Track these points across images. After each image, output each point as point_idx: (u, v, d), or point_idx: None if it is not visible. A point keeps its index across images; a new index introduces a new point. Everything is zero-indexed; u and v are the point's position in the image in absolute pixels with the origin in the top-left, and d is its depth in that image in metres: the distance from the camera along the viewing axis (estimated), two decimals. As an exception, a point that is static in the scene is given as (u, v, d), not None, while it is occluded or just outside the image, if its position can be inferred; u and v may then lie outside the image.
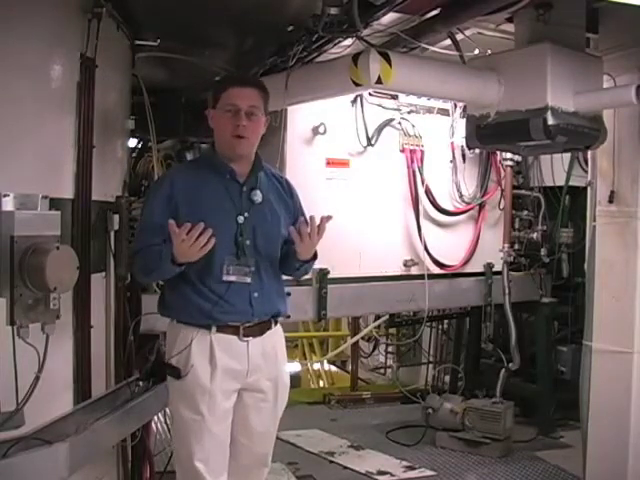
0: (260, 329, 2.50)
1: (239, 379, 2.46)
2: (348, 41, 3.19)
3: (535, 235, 4.89)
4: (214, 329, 2.42)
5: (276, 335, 2.59)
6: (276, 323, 2.59)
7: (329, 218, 2.43)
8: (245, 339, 2.45)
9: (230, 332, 2.44)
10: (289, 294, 2.68)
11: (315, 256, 2.56)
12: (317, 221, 2.42)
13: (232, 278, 2.43)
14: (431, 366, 6.11)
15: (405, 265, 4.43)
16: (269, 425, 2.60)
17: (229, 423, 2.49)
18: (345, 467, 4.34)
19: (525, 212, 5.00)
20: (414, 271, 4.46)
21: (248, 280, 2.44)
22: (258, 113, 2.47)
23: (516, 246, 4.90)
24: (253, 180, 2.53)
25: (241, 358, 2.44)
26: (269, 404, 2.56)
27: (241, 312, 2.45)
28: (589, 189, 3.95)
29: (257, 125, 2.49)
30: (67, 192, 2.59)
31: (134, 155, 4.38)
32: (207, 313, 2.41)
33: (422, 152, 4.46)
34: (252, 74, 3.64)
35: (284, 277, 2.67)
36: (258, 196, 2.51)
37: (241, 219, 2.46)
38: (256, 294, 2.47)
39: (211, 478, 2.42)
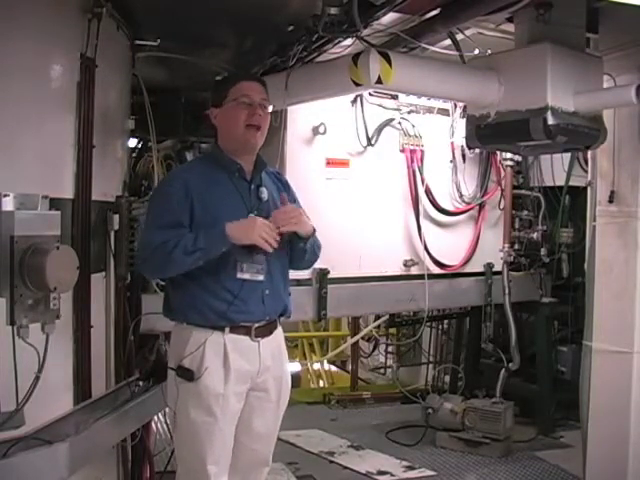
0: (269, 329, 2.52)
1: (250, 380, 2.47)
2: (348, 41, 3.19)
3: (535, 235, 4.89)
4: (227, 330, 2.42)
5: (280, 335, 2.61)
6: (279, 323, 2.60)
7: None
8: (256, 339, 2.45)
9: (242, 333, 2.44)
10: (289, 294, 2.69)
11: (314, 230, 2.56)
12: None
13: (246, 276, 2.43)
14: (431, 366, 6.11)
15: (405, 265, 4.43)
16: (271, 426, 2.60)
17: (235, 424, 2.49)
18: (345, 467, 4.34)
19: (525, 212, 5.00)
20: (414, 271, 4.46)
21: (261, 278, 2.44)
22: (267, 106, 2.53)
23: (516, 246, 4.89)
24: (258, 178, 2.56)
25: (253, 359, 2.45)
26: (272, 404, 2.56)
27: (254, 311, 2.45)
28: (589, 189, 3.95)
29: (267, 118, 2.54)
30: (67, 192, 2.60)
31: (134, 155, 4.38)
32: (222, 314, 2.41)
33: (422, 152, 4.46)
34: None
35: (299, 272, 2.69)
36: (265, 193, 2.53)
37: (252, 217, 2.46)
38: (267, 291, 2.48)
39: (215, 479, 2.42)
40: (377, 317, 5.76)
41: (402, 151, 4.40)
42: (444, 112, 4.58)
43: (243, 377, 2.44)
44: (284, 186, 2.68)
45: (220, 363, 2.40)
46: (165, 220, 2.41)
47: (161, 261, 2.38)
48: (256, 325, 2.45)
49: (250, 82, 2.53)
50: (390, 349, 6.64)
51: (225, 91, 2.50)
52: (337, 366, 7.72)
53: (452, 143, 4.62)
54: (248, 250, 2.42)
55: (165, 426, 3.79)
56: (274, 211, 2.46)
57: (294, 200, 2.69)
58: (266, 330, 2.50)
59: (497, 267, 4.82)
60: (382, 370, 6.81)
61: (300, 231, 2.49)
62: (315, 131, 4.06)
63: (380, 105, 4.30)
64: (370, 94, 4.16)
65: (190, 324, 2.45)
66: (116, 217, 3.01)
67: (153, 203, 2.55)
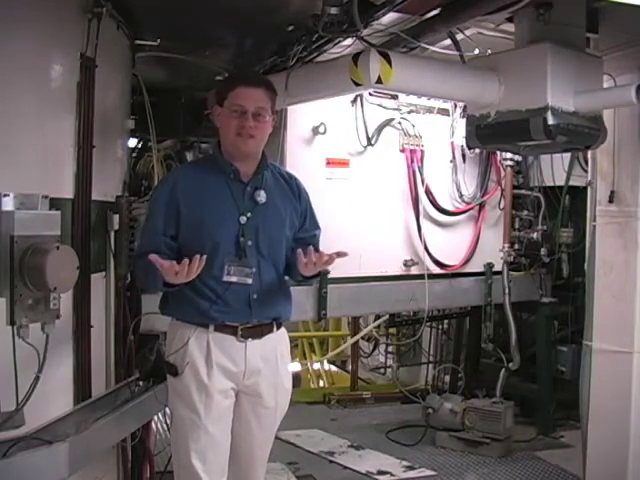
0: (260, 331, 2.48)
1: (235, 380, 2.45)
2: (348, 41, 3.19)
3: (535, 235, 4.88)
4: (212, 328, 2.42)
5: (278, 338, 2.56)
6: (279, 327, 2.56)
7: (342, 255, 2.38)
8: (243, 340, 2.43)
9: (228, 332, 2.43)
10: (288, 297, 2.66)
11: (318, 274, 2.53)
12: (325, 257, 2.37)
13: (233, 279, 2.41)
14: (431, 366, 6.11)
15: (405, 265, 4.43)
16: (269, 431, 2.59)
17: (227, 424, 2.48)
18: (345, 467, 4.34)
19: (525, 212, 5.00)
20: (414, 271, 4.46)
21: (249, 281, 2.42)
22: (265, 114, 2.44)
23: (516, 246, 4.89)
24: (258, 180, 2.51)
25: (238, 359, 2.43)
26: (269, 411, 2.54)
27: (238, 313, 2.43)
28: (589, 189, 3.95)
29: (264, 126, 2.46)
30: (67, 192, 2.60)
31: (134, 155, 4.38)
32: (204, 312, 2.41)
33: (422, 152, 4.45)
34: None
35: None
36: (262, 196, 2.48)
37: (243, 219, 2.44)
38: (255, 295, 2.45)
39: (208, 478, 2.41)
40: (377, 317, 5.75)
41: (402, 151, 4.40)
42: (444, 112, 4.57)
43: (227, 375, 2.42)
44: (293, 190, 2.61)
45: (203, 359, 2.40)
46: (150, 225, 2.48)
47: (138, 278, 2.72)
48: (244, 325, 2.43)
49: (247, 89, 2.42)
50: (390, 349, 6.63)
51: (225, 93, 2.46)
52: (337, 366, 7.71)
53: (452, 143, 4.62)
54: (237, 252, 2.42)
55: (165, 426, 3.79)
56: (310, 252, 2.36)
57: (306, 203, 2.64)
58: (256, 332, 2.46)
59: (497, 267, 4.82)
60: (382, 370, 6.80)
61: (304, 271, 2.43)
62: (315, 131, 4.06)
63: (380, 105, 4.29)
64: (370, 94, 4.16)
65: (179, 320, 2.47)
66: (116, 217, 3.02)
67: (150, 202, 2.59)
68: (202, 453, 2.41)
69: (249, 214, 2.45)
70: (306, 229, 2.64)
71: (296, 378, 6.26)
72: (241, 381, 2.46)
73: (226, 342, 2.42)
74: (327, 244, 2.63)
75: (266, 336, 2.49)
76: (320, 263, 2.37)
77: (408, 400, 5.50)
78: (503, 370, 4.80)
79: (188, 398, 2.41)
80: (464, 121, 3.51)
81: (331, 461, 4.44)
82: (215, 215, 2.42)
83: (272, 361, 2.52)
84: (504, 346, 5.01)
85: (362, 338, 6.38)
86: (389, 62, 2.87)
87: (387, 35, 3.22)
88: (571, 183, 4.84)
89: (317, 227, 2.70)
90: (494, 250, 4.81)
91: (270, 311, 2.50)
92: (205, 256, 2.25)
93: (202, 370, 2.40)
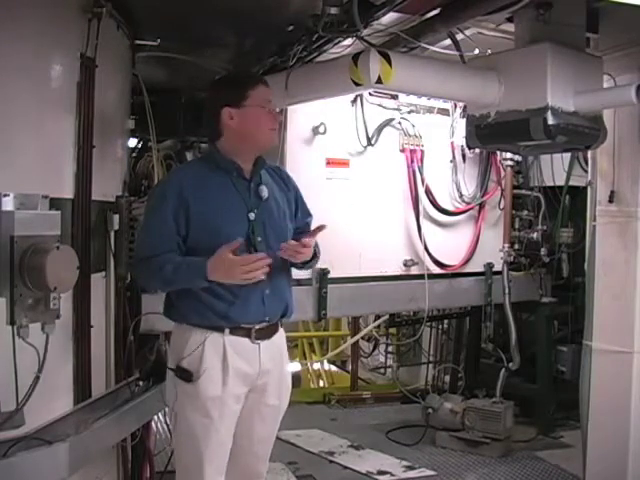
0: (270, 331, 2.50)
1: (250, 382, 2.45)
2: (348, 41, 3.19)
3: (535, 235, 4.89)
4: (227, 331, 2.40)
5: (280, 337, 2.59)
6: (281, 325, 2.58)
7: (321, 228, 2.45)
8: (257, 341, 2.44)
9: (242, 334, 2.42)
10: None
11: (315, 255, 2.56)
12: (299, 246, 2.42)
13: None
14: (431, 366, 6.11)
15: (405, 265, 4.43)
16: (271, 428, 2.60)
17: (233, 423, 2.48)
18: (345, 467, 4.34)
19: (525, 212, 5.00)
20: (414, 271, 4.46)
21: (262, 277, 2.40)
22: None
23: (516, 246, 4.89)
24: (258, 176, 2.54)
25: (253, 361, 2.44)
26: (273, 408, 2.55)
27: (254, 311, 2.43)
28: (589, 189, 3.95)
29: None
30: (67, 192, 2.60)
31: (134, 155, 4.38)
32: (222, 314, 2.39)
33: (422, 152, 4.45)
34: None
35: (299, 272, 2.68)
36: (265, 192, 2.50)
37: (252, 216, 2.45)
38: (267, 291, 2.46)
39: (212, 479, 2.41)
40: (377, 317, 5.75)
41: (402, 151, 4.40)
42: (444, 112, 4.57)
43: (242, 378, 2.42)
44: (284, 181, 2.66)
45: (219, 363, 2.38)
46: (159, 226, 2.40)
47: (146, 277, 2.51)
48: (256, 327, 2.44)
49: (266, 86, 2.53)
50: (390, 349, 6.63)
51: (244, 92, 2.45)
52: (337, 366, 7.71)
53: (452, 143, 4.62)
54: (247, 249, 2.40)
55: (165, 426, 3.79)
56: (286, 245, 2.42)
57: (296, 192, 2.67)
58: (267, 332, 2.48)
59: (497, 267, 4.82)
60: (382, 370, 6.80)
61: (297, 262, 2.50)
62: (315, 131, 4.06)
63: (380, 105, 4.29)
64: (370, 94, 4.16)
65: (190, 324, 2.43)
66: (116, 217, 3.02)
67: (149, 204, 2.56)
68: (212, 457, 2.40)
69: (256, 210, 2.47)
70: (299, 218, 2.67)
71: (296, 378, 6.26)
72: (254, 382, 2.47)
73: (241, 345, 2.42)
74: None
75: (274, 336, 2.52)
76: (300, 251, 2.41)
77: (408, 400, 5.51)
78: (503, 370, 4.80)
79: (202, 404, 2.37)
80: (464, 121, 3.51)
81: (331, 461, 4.45)
82: (226, 214, 2.42)
83: (278, 360, 2.54)
84: (504, 346, 5.01)
85: (362, 338, 6.38)
86: (389, 62, 2.87)
87: (387, 35, 3.22)
88: (571, 183, 4.84)
89: (309, 214, 2.74)
90: (494, 250, 4.81)
91: (281, 305, 2.53)
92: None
93: (218, 375, 2.38)
